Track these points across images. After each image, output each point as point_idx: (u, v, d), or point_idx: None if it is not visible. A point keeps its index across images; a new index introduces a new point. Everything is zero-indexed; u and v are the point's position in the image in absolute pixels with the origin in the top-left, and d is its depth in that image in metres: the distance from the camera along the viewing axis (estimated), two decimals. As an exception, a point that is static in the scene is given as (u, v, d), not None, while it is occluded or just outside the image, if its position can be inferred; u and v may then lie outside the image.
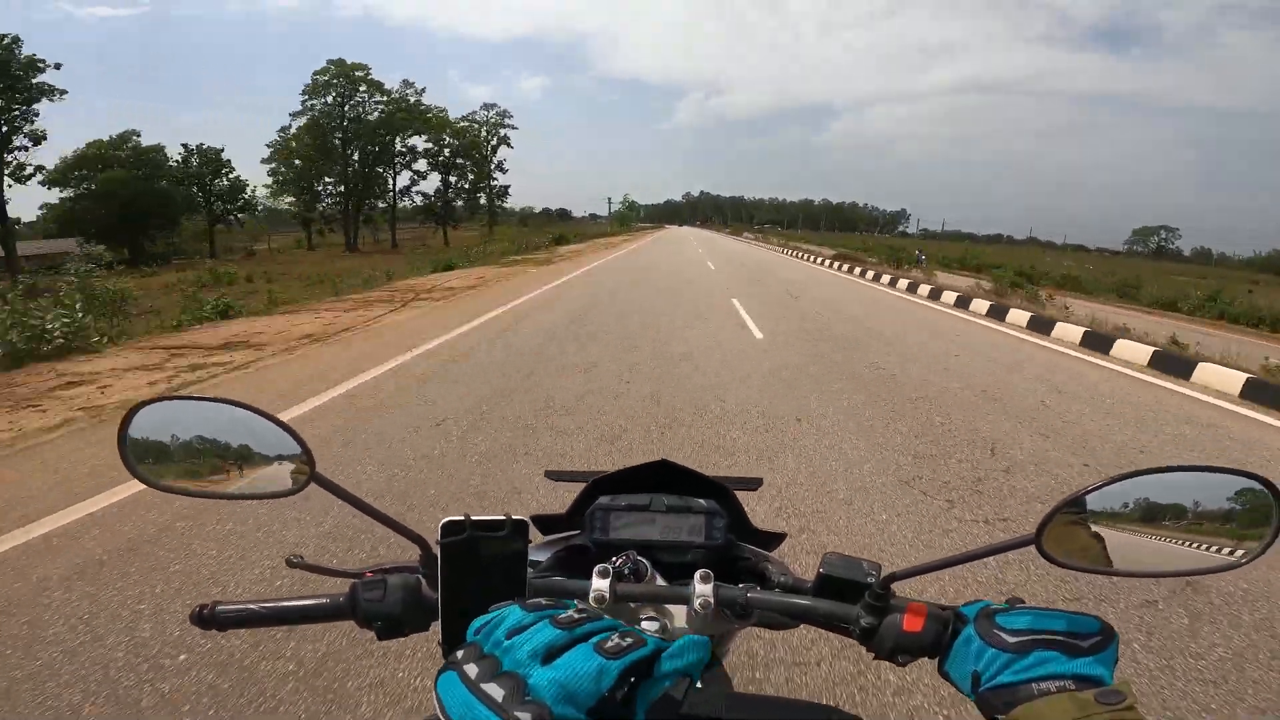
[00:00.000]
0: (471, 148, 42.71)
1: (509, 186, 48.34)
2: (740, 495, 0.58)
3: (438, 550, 0.40)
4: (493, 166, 45.99)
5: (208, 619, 0.44)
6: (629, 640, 0.27)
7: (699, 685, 0.48)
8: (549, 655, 0.26)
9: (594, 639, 0.27)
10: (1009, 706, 0.35)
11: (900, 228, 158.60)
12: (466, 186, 44.20)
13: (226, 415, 0.42)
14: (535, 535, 0.48)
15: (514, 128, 46.79)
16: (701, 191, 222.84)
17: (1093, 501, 0.37)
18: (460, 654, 0.28)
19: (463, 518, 0.40)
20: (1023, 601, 0.40)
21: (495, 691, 0.26)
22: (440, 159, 41.90)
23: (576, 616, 0.28)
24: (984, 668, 0.38)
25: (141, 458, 0.43)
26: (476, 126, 44.24)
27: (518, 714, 0.25)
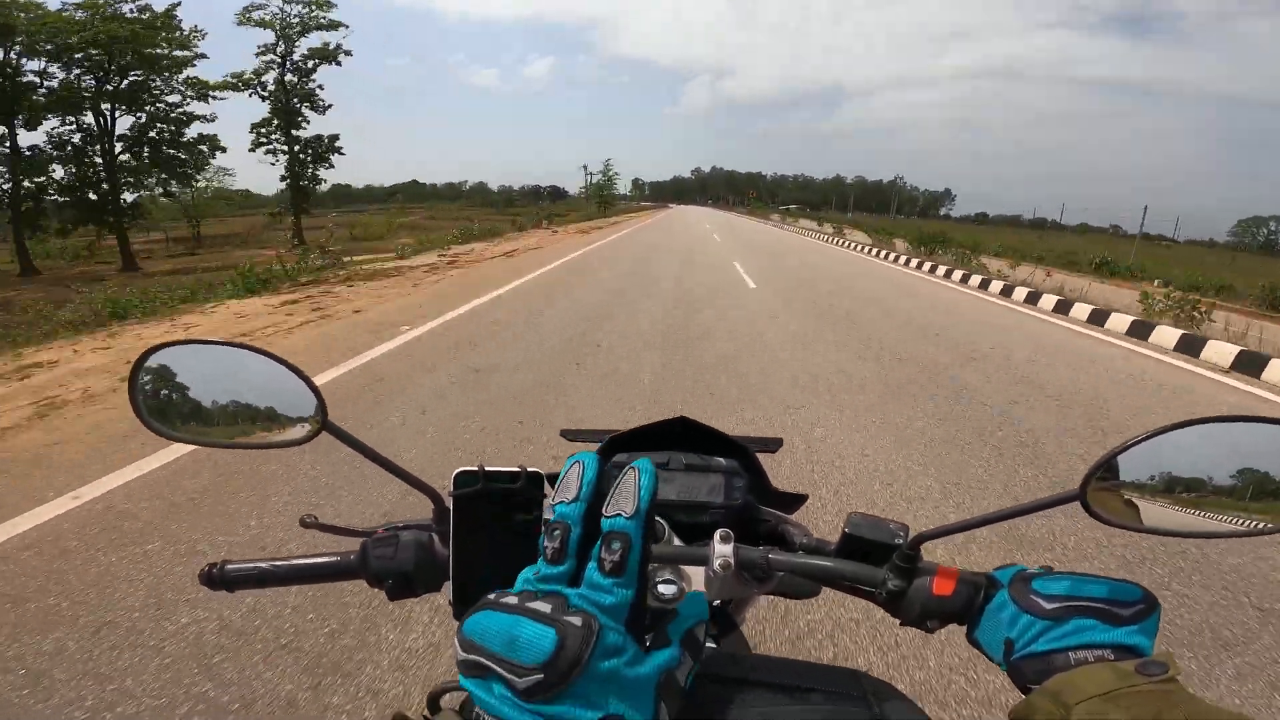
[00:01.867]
0: (132, 41, 19.47)
1: (337, 138, 28.49)
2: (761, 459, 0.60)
3: (450, 503, 0.43)
4: (297, 99, 26.38)
5: (216, 579, 0.47)
6: (619, 548, 0.31)
7: (717, 647, 0.51)
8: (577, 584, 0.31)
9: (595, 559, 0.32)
10: (1043, 676, 0.36)
11: (943, 210, 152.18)
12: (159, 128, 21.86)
13: (239, 360, 0.44)
14: (549, 494, 0.54)
15: (342, 27, 26.56)
16: (714, 167, 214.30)
17: (1131, 457, 0.38)
18: (490, 596, 0.32)
19: (476, 468, 0.42)
20: (1055, 568, 0.40)
21: (541, 606, 0.30)
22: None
23: (617, 558, 0.31)
24: (1018, 635, 0.39)
25: (152, 405, 0.45)
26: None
27: (568, 619, 0.29)
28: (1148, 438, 0.37)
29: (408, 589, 0.48)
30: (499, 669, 0.28)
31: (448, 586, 0.45)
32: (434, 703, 0.41)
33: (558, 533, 0.32)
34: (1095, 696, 0.33)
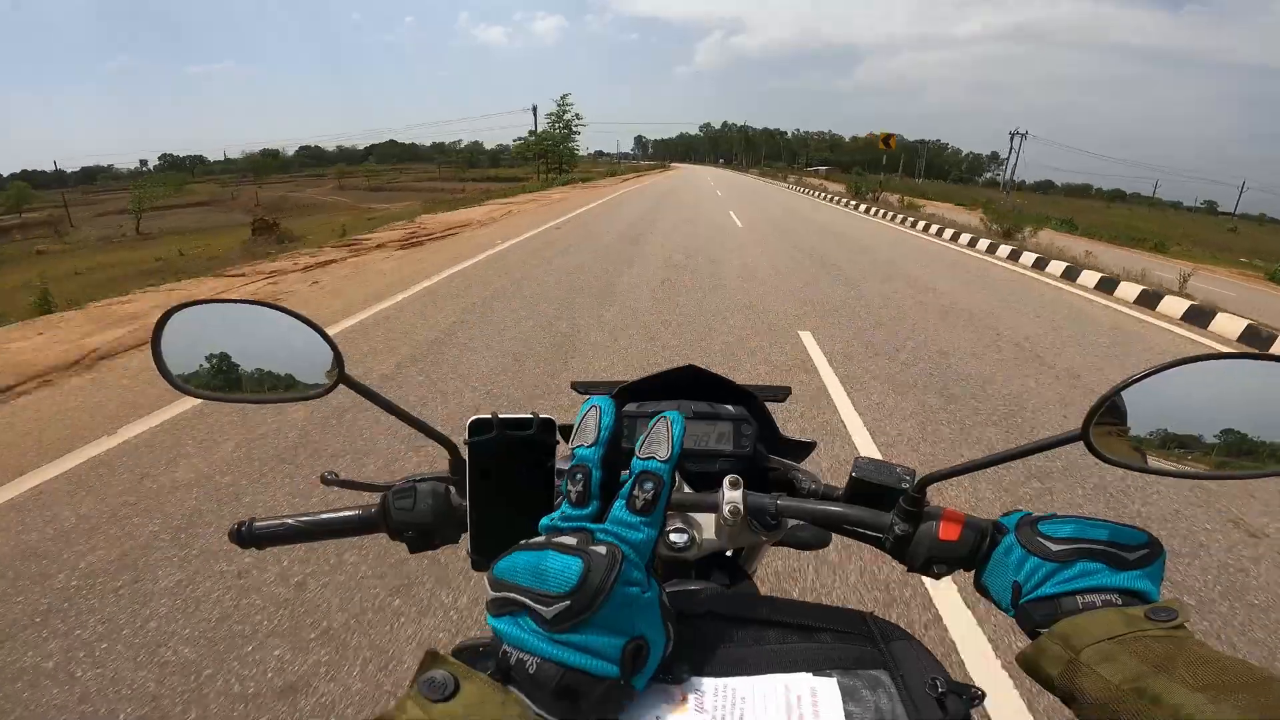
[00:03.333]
0: None
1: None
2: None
3: (466, 453, 0.47)
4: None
5: (245, 537, 0.52)
6: (650, 488, 0.35)
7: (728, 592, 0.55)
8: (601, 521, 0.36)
9: (623, 497, 0.36)
10: (1050, 619, 0.39)
11: (989, 174, 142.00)
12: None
13: (258, 317, 0.50)
14: (562, 448, 0.59)
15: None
16: (725, 123, 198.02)
17: (1135, 394, 0.39)
18: (521, 543, 0.36)
19: (490, 415, 0.46)
20: (1061, 513, 0.44)
21: (567, 540, 0.34)
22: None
23: (649, 497, 0.36)
24: (1025, 578, 0.42)
25: (175, 363, 0.50)
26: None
27: (594, 549, 0.33)
28: (1150, 374, 0.39)
29: (427, 541, 0.53)
30: (527, 600, 0.32)
31: (466, 539, 0.50)
32: (460, 654, 0.45)
33: (580, 476, 0.37)
34: (1104, 640, 0.35)
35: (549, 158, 36.58)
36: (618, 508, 0.35)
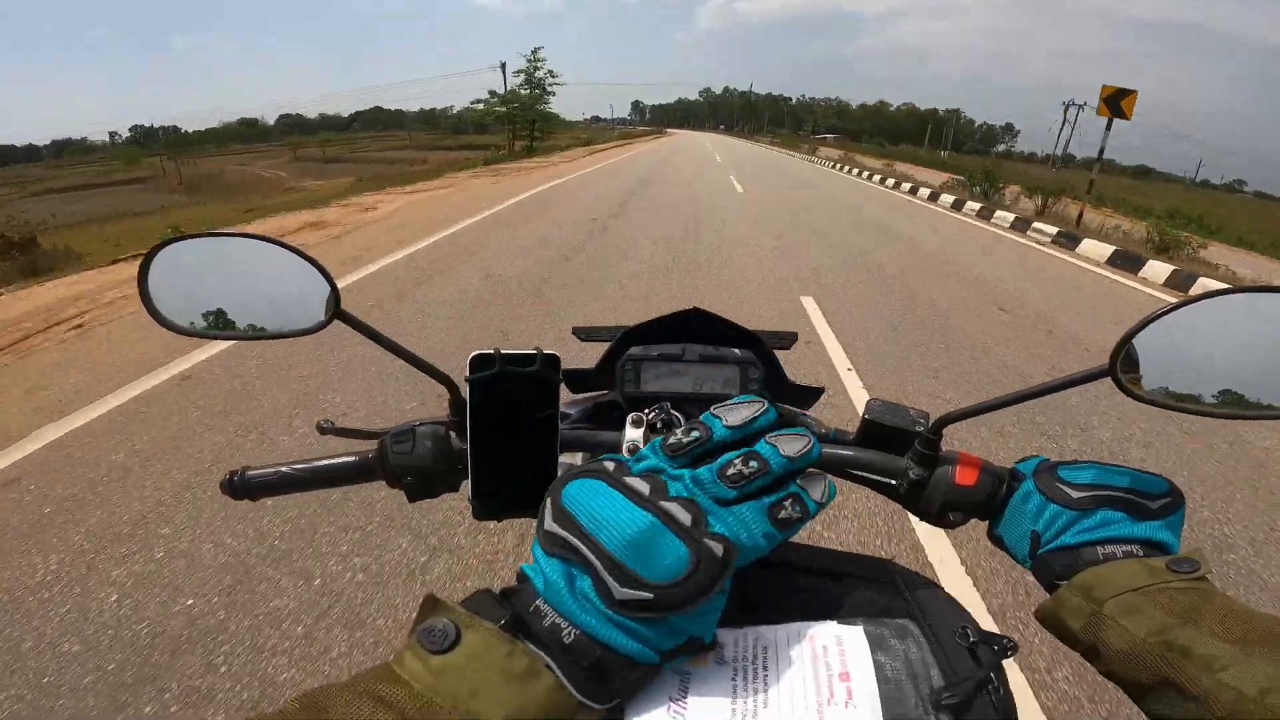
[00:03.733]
0: None
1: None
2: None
3: (466, 391, 0.46)
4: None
5: (239, 486, 0.52)
6: (799, 511, 0.32)
7: None
8: (725, 501, 0.31)
9: (766, 501, 0.32)
10: (1070, 570, 0.39)
11: (1003, 145, 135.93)
12: None
13: (251, 251, 0.49)
14: (564, 395, 0.54)
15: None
16: (726, 88, 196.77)
17: (1164, 329, 0.39)
18: (607, 465, 0.32)
19: (492, 351, 0.45)
20: (1080, 459, 0.44)
21: (680, 512, 0.29)
22: None
23: (746, 472, 0.31)
24: (1044, 527, 0.41)
25: (164, 300, 0.49)
26: None
27: (709, 541, 0.29)
28: (1175, 309, 0.38)
29: (427, 488, 0.52)
30: (600, 566, 0.29)
31: (466, 486, 0.49)
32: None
33: (697, 433, 0.33)
34: (1128, 591, 0.35)
35: (517, 123, 30.21)
36: (753, 507, 0.31)
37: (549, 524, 0.31)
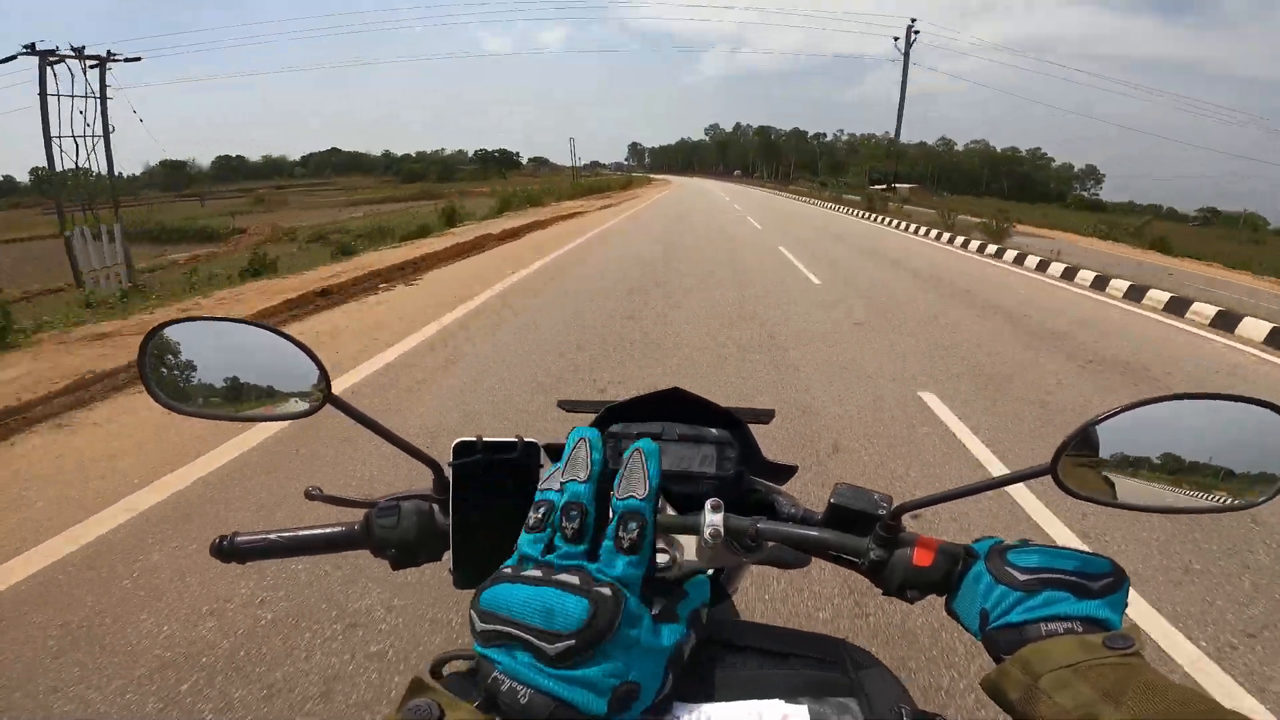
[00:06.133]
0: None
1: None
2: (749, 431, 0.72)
3: (449, 474, 0.61)
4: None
5: (228, 551, 0.64)
6: (631, 531, 0.47)
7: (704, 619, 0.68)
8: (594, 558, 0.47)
9: (608, 543, 0.47)
10: (1015, 646, 0.49)
11: (1081, 191, 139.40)
12: None
13: (246, 336, 0.62)
14: (546, 464, 0.65)
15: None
16: (738, 124, 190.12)
17: (1104, 431, 0.51)
18: (505, 570, 0.47)
19: (475, 439, 0.59)
20: (1031, 541, 0.56)
21: (569, 579, 0.44)
22: None
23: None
24: (993, 606, 0.52)
25: (161, 380, 0.63)
26: None
27: (598, 589, 0.43)
28: (1122, 411, 0.50)
29: (410, 558, 0.66)
30: (528, 636, 0.42)
31: (448, 556, 0.64)
32: (437, 670, 0.55)
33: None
34: (1063, 667, 0.45)
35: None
36: (608, 547, 0.47)
37: (480, 626, 0.44)
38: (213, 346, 0.63)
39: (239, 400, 0.63)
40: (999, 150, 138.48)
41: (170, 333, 0.62)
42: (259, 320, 0.62)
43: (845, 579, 2.56)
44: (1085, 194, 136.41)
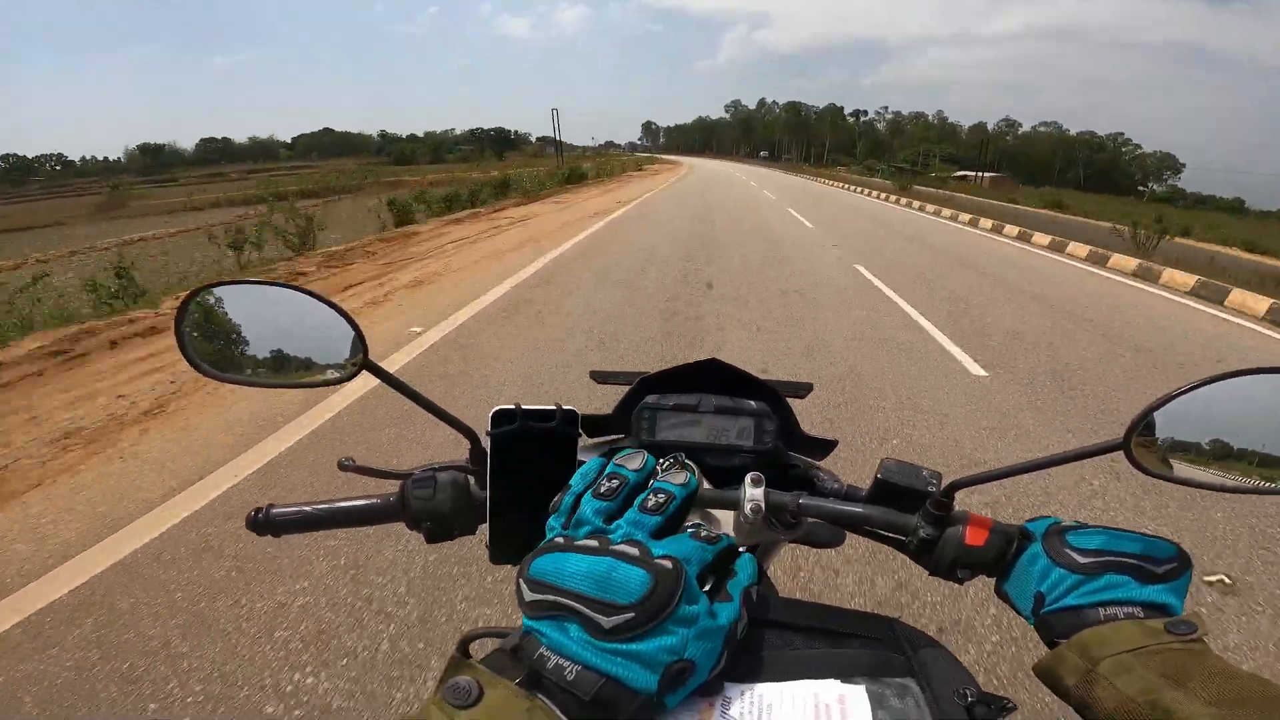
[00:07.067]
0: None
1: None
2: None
3: (487, 444, 0.62)
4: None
5: (263, 523, 0.67)
6: (713, 533, 0.49)
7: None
8: (655, 535, 0.48)
9: (687, 528, 0.49)
10: (1071, 630, 0.50)
11: (1153, 184, 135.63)
12: None
13: (283, 300, 0.65)
14: (582, 435, 0.67)
15: None
16: (761, 100, 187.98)
17: (1178, 406, 0.52)
18: (557, 539, 0.48)
19: (513, 406, 0.60)
20: (1088, 524, 0.56)
21: (629, 549, 0.45)
22: None
23: (661, 500, 0.49)
24: (1049, 589, 0.53)
25: (198, 345, 0.65)
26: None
27: (659, 562, 0.43)
28: (1192, 389, 0.51)
29: (445, 531, 0.68)
30: (582, 607, 0.42)
31: (484, 529, 0.65)
32: (464, 648, 0.56)
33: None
34: (1123, 652, 0.46)
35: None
36: (685, 535, 0.48)
37: (528, 596, 0.45)
38: (250, 310, 0.66)
39: (276, 364, 0.66)
40: (1073, 134, 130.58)
41: (207, 296, 0.65)
42: (297, 285, 0.64)
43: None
44: (1155, 186, 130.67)
